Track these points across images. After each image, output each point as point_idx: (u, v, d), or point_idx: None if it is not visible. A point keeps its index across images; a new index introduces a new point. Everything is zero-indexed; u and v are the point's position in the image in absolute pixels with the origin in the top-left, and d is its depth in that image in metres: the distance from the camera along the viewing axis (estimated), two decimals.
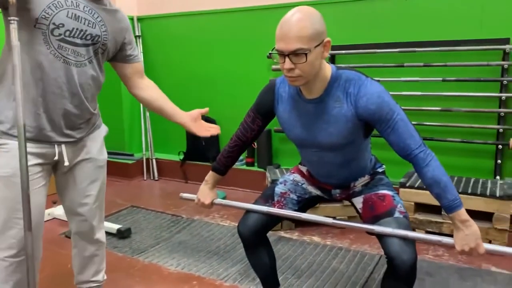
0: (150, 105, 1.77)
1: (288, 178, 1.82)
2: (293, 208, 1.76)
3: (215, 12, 3.75)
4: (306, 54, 1.33)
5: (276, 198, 1.76)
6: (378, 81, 2.97)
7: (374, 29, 3.13)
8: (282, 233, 2.83)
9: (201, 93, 3.95)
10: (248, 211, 1.75)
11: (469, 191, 2.49)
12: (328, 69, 1.46)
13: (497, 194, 2.42)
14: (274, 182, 1.85)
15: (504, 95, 2.75)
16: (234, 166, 3.67)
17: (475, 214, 2.45)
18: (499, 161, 2.79)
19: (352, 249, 2.58)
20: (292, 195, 1.77)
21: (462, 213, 1.37)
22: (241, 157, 3.76)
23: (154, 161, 4.09)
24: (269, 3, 3.47)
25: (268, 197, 1.77)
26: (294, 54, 1.33)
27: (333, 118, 1.48)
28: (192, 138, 3.92)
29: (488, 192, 2.45)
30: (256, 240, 1.73)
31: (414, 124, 1.47)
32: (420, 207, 2.64)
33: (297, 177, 1.82)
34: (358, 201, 1.69)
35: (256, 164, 3.72)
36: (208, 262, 2.48)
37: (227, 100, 3.84)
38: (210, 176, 1.82)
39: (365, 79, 1.44)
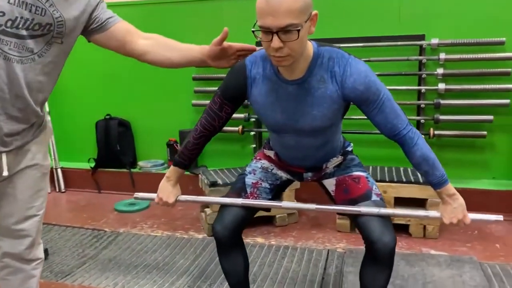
0: (162, 65, 1.49)
1: (256, 166, 1.68)
2: (267, 197, 1.64)
3: (119, 4, 3.41)
4: (298, 31, 1.20)
5: (249, 190, 1.61)
6: None
7: (340, 23, 3.03)
8: None
9: (111, 92, 3.60)
10: (222, 208, 1.58)
11: (404, 179, 2.59)
12: (310, 46, 1.34)
13: None
14: (241, 173, 1.70)
15: (423, 88, 2.93)
16: (155, 171, 3.48)
17: (409, 201, 2.60)
18: None
19: (298, 246, 2.53)
20: (264, 183, 1.64)
21: (450, 188, 1.39)
22: (162, 161, 3.56)
23: (59, 170, 3.62)
24: None
25: (240, 190, 1.62)
26: (284, 30, 1.19)
27: (317, 100, 1.38)
28: (104, 143, 3.55)
29: (420, 179, 2.57)
30: (233, 240, 1.57)
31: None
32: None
33: (265, 163, 1.68)
34: (331, 183, 1.62)
35: None
36: (149, 277, 2.23)
37: (141, 99, 3.55)
38: (172, 171, 1.61)
39: (348, 56, 1.35)
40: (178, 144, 3.43)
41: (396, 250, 2.44)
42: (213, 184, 2.62)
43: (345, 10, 3.03)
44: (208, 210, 2.68)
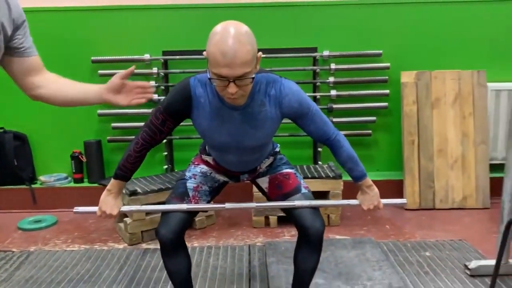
0: (55, 101, 1.47)
1: (196, 171, 1.80)
2: (206, 199, 1.77)
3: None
4: (252, 78, 1.37)
5: (191, 194, 1.73)
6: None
7: None
8: (144, 245, 2.70)
9: (4, 104, 3.35)
10: (164, 213, 1.67)
11: (309, 175, 2.91)
12: None
13: (330, 175, 2.90)
14: (180, 178, 1.80)
15: (318, 95, 3.30)
16: (59, 185, 3.34)
17: (316, 194, 2.92)
18: (319, 149, 3.33)
19: (221, 245, 2.68)
20: (204, 187, 1.77)
21: (368, 180, 1.67)
22: (65, 174, 3.42)
23: None
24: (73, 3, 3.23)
25: (183, 195, 1.72)
26: (239, 79, 1.34)
27: (260, 122, 1.55)
28: None
29: (323, 174, 2.91)
30: (178, 242, 1.66)
31: None
32: None
33: (204, 168, 1.81)
34: (264, 181, 1.82)
35: (86, 179, 3.39)
36: None
37: (39, 110, 3.36)
38: (113, 184, 1.65)
39: (280, 79, 1.55)
40: (83, 156, 3.34)
41: None
42: (133, 193, 2.65)
43: (249, 24, 3.28)
44: (128, 220, 2.69)
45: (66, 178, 3.39)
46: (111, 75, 3.29)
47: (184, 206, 1.66)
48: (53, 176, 3.37)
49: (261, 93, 1.52)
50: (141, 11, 3.27)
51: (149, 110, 3.27)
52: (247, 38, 1.35)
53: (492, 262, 2.22)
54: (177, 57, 3.27)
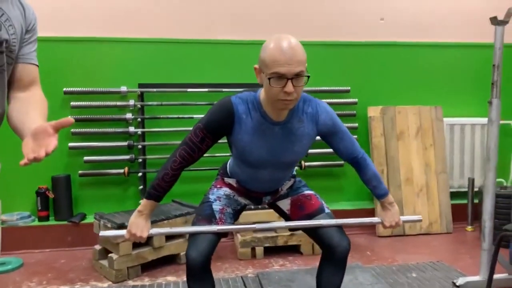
0: (9, 121, 1.24)
1: (220, 194, 1.79)
2: (230, 222, 1.76)
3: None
4: (307, 77, 1.44)
5: (217, 216, 1.71)
6: (191, 118, 3.17)
7: (185, 70, 3.31)
8: (131, 283, 2.56)
9: None
10: (195, 235, 1.63)
11: None
12: None
13: None
14: (205, 201, 1.78)
15: None
16: (23, 224, 3.09)
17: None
18: None
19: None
20: (228, 209, 1.77)
21: (390, 197, 1.77)
22: (28, 212, 3.18)
23: None
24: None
25: (210, 217, 1.70)
26: (296, 77, 1.41)
27: (298, 138, 1.61)
28: None
29: None
30: (206, 265, 1.62)
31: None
32: None
33: (227, 190, 1.81)
34: (286, 203, 1.84)
35: (52, 217, 3.16)
36: None
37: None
38: (146, 205, 1.61)
39: (315, 99, 1.65)
40: (51, 192, 3.13)
41: (297, 267, 2.79)
42: (121, 226, 2.52)
43: (230, 59, 3.38)
44: (114, 256, 2.54)
45: (29, 216, 3.14)
46: (84, 107, 3.19)
47: (214, 228, 1.64)
48: (15, 214, 3.11)
49: (299, 111, 1.60)
50: (117, 43, 3.24)
51: (125, 143, 3.19)
52: (299, 43, 1.45)
53: (477, 278, 2.41)
54: (154, 89, 3.24)
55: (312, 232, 1.76)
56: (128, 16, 3.24)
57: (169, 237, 2.77)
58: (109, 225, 2.57)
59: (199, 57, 3.35)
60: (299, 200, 1.83)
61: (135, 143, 3.22)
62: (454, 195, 3.63)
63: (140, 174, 3.22)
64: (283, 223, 1.75)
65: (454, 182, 3.66)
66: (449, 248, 3.15)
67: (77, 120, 3.14)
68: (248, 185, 1.78)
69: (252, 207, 2.68)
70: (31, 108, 1.24)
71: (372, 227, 3.45)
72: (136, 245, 2.62)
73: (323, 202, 1.83)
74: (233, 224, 1.79)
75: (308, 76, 1.45)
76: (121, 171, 3.18)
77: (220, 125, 1.57)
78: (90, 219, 3.14)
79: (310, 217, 1.77)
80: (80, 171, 3.16)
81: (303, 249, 2.97)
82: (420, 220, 1.88)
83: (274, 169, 1.68)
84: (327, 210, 1.80)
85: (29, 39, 1.28)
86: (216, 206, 1.74)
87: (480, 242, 2.39)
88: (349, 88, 3.48)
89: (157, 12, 3.28)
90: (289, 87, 1.41)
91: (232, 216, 1.78)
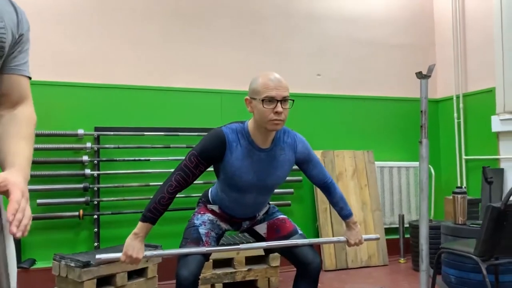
0: None
1: (204, 219, 1.94)
2: (214, 245, 1.92)
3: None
4: (292, 101, 1.72)
5: (204, 239, 1.86)
6: (148, 160, 3.27)
7: (142, 114, 3.45)
8: None
9: None
10: (185, 256, 1.77)
11: (239, 241, 3.12)
12: None
13: None
14: (191, 226, 1.91)
15: None
16: None
17: (257, 259, 3.13)
18: None
19: None
20: (212, 233, 1.92)
21: (354, 218, 2.04)
22: None
23: None
24: None
25: (198, 239, 1.85)
26: (284, 100, 1.69)
27: (280, 164, 1.85)
28: None
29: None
30: (195, 283, 1.74)
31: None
32: (216, 263, 3.04)
33: (210, 216, 1.97)
34: (262, 227, 2.04)
35: None
36: None
37: None
38: (142, 228, 1.73)
39: (292, 131, 1.92)
40: None
41: None
42: (86, 264, 2.51)
43: (177, 105, 3.58)
44: None
45: None
46: (40, 149, 3.16)
47: (203, 249, 1.79)
48: None
49: (280, 140, 1.85)
50: (74, 88, 3.32)
51: (80, 185, 3.19)
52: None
53: None
54: (111, 133, 3.33)
55: (289, 252, 1.96)
56: (85, 61, 3.36)
57: (131, 276, 2.79)
58: (72, 264, 2.55)
59: (155, 103, 3.51)
60: (275, 224, 2.03)
61: (90, 185, 3.23)
62: (387, 230, 4.02)
63: (95, 216, 3.21)
64: (264, 243, 1.93)
65: (386, 219, 4.07)
66: (389, 278, 3.47)
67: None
68: (230, 211, 1.95)
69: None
70: (11, 134, 1.11)
71: None
72: (100, 283, 2.60)
73: (296, 225, 2.05)
74: (217, 246, 1.94)
75: (293, 100, 1.74)
76: (76, 213, 3.16)
77: (213, 153, 1.76)
78: (40, 264, 3.04)
79: (286, 238, 1.98)
80: (32, 214, 3.07)
81: (259, 283, 3.11)
82: (378, 238, 2.17)
83: (258, 193, 1.88)
84: (300, 232, 2.02)
85: (23, 48, 1.15)
86: (202, 230, 1.89)
87: (419, 267, 2.72)
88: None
89: (114, 59, 3.44)
90: (279, 107, 1.68)
91: (215, 239, 1.94)
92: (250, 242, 2.53)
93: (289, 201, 3.76)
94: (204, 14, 3.72)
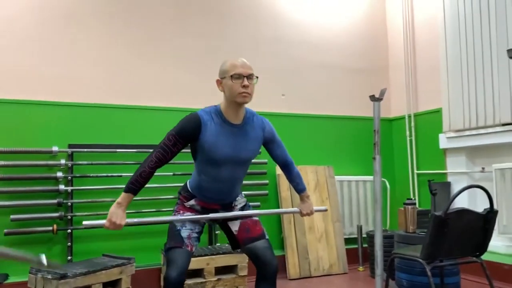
0: None
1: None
2: (196, 244, 2.14)
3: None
4: (256, 77, 2.03)
5: (186, 242, 2.06)
6: (120, 176, 3.41)
7: (114, 132, 3.60)
8: None
9: None
10: (173, 257, 1.99)
11: (220, 252, 3.31)
12: None
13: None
14: (174, 229, 2.10)
15: None
16: None
17: (225, 269, 3.32)
18: (216, 232, 3.78)
19: None
20: (193, 233, 2.11)
21: (307, 192, 2.36)
22: None
23: None
24: None
25: (181, 243, 2.05)
26: (250, 77, 1.99)
27: (251, 139, 2.11)
28: None
29: (228, 251, 3.35)
30: (183, 281, 1.95)
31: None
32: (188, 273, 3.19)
33: (189, 213, 2.16)
34: (235, 225, 2.24)
35: None
36: None
37: None
38: (125, 198, 1.94)
39: (258, 115, 2.20)
40: None
41: None
42: (63, 276, 2.62)
43: (150, 122, 3.75)
44: None
45: None
46: (13, 166, 3.25)
47: (180, 217, 2.12)
48: None
49: (250, 120, 2.13)
50: (47, 106, 3.43)
51: (54, 201, 3.29)
52: None
53: None
54: (84, 150, 3.45)
55: (252, 253, 2.18)
56: (59, 80, 3.49)
57: (105, 287, 2.90)
58: (49, 276, 2.65)
59: (125, 121, 3.67)
60: (247, 224, 2.24)
61: (64, 201, 3.33)
62: (346, 240, 4.29)
63: (69, 231, 3.31)
64: (231, 213, 2.21)
65: (346, 229, 4.35)
66: (349, 284, 3.72)
67: (3, 179, 3.20)
68: (208, 196, 2.15)
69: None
70: None
71: (282, 271, 3.90)
72: None
73: (264, 229, 2.28)
74: (198, 245, 2.16)
75: (257, 77, 2.06)
76: (49, 228, 3.24)
77: (189, 131, 2.01)
78: (13, 278, 3.11)
79: (254, 240, 2.19)
80: (5, 230, 3.15)
81: None
82: (326, 210, 2.53)
83: (234, 166, 2.09)
84: (266, 237, 2.24)
85: None
86: (184, 233, 2.09)
87: (372, 275, 2.99)
88: (260, 151, 4.06)
89: (86, 78, 3.59)
90: (246, 81, 1.98)
91: (196, 239, 2.15)
92: (221, 252, 2.74)
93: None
94: (169, 34, 3.93)
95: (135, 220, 2.02)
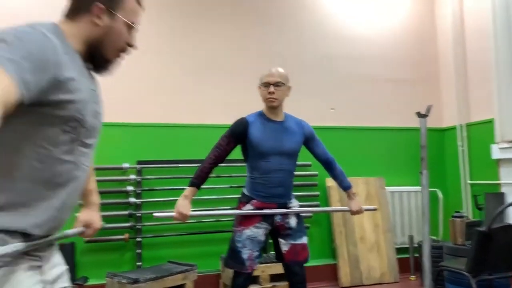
0: None
1: (243, 239, 2.35)
2: (258, 261, 2.39)
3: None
4: (283, 84, 2.34)
5: (247, 263, 2.31)
6: (183, 189, 3.71)
7: (178, 148, 3.96)
8: None
9: None
10: (236, 282, 2.28)
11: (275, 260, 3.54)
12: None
13: None
14: (235, 250, 2.34)
15: None
16: None
17: (279, 276, 3.54)
18: (269, 240, 4.01)
19: None
20: (254, 252, 2.35)
21: (353, 189, 2.56)
22: None
23: None
24: None
25: (242, 265, 2.31)
26: (276, 84, 2.32)
27: (292, 134, 2.42)
28: None
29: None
30: None
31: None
32: None
33: (248, 232, 2.36)
34: (286, 246, 2.45)
35: None
36: None
37: None
38: (191, 191, 2.31)
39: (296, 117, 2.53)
40: None
41: None
42: (136, 281, 2.97)
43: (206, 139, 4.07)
44: None
45: None
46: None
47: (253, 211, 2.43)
48: None
49: (291, 120, 2.47)
50: (118, 127, 3.84)
51: (125, 212, 3.67)
52: (282, 70, 2.46)
53: None
54: (151, 165, 3.82)
55: (291, 272, 2.45)
56: (128, 103, 3.89)
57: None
58: (124, 281, 3.01)
59: (188, 138, 4.01)
60: (297, 248, 2.46)
61: (134, 212, 3.71)
62: (398, 250, 4.38)
63: (138, 239, 3.69)
64: (285, 210, 2.45)
65: (397, 239, 4.44)
66: None
67: None
68: (262, 189, 2.38)
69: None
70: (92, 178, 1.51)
71: (334, 279, 4.07)
72: None
73: (309, 253, 2.51)
74: (259, 260, 2.43)
75: (284, 84, 2.38)
76: (122, 237, 3.63)
77: (238, 131, 2.38)
78: (92, 281, 3.52)
79: (298, 263, 2.44)
80: (85, 238, 3.56)
81: None
82: (375, 209, 2.72)
83: (280, 157, 2.37)
84: (308, 259, 2.49)
85: None
86: (245, 255, 2.33)
87: (423, 285, 3.10)
88: (310, 163, 4.25)
89: (151, 101, 3.96)
90: (271, 89, 2.32)
91: (258, 256, 2.39)
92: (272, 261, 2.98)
93: (308, 224, 4.17)
94: (227, 56, 4.23)
95: (199, 212, 2.35)
